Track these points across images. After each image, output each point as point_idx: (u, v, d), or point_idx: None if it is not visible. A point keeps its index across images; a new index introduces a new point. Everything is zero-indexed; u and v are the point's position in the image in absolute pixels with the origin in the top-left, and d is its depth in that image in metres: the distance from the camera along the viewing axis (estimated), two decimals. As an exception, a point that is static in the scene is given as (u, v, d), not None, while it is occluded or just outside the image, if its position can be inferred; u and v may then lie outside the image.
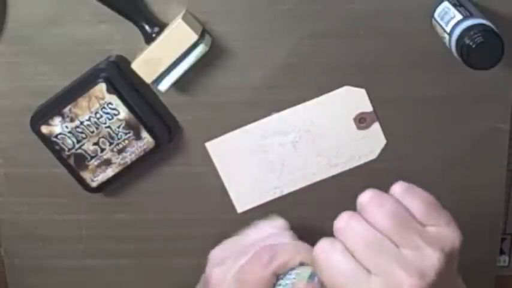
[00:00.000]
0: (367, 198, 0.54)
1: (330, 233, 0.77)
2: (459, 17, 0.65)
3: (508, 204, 0.81)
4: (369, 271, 0.52)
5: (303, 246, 0.65)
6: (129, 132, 0.71)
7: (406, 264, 0.52)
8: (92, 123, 0.70)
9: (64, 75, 0.72)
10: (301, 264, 0.63)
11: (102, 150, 0.71)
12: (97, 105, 0.70)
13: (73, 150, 0.71)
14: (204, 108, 0.73)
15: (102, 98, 0.69)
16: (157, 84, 0.70)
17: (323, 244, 0.54)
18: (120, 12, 0.69)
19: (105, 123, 0.70)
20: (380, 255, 0.52)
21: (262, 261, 0.64)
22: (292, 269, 0.64)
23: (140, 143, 0.71)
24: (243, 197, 0.76)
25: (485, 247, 0.77)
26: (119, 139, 0.71)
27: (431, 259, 0.52)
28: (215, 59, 0.71)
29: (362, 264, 0.52)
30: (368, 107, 0.73)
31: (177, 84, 0.71)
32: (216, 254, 0.69)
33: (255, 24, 0.70)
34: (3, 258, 0.81)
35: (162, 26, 0.69)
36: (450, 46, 0.65)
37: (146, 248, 0.78)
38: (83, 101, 0.70)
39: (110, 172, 0.72)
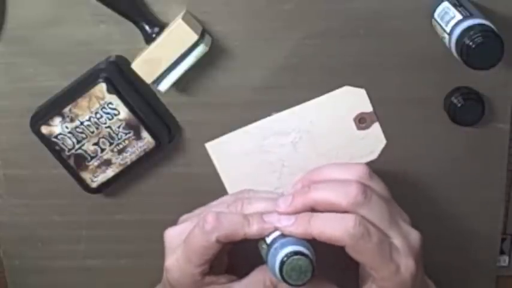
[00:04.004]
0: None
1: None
2: (459, 17, 0.65)
3: (508, 204, 0.80)
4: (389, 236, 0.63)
5: (253, 218, 0.65)
6: (129, 132, 0.71)
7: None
8: (92, 124, 0.70)
9: (64, 75, 0.72)
10: None
11: (102, 150, 0.71)
12: (97, 105, 0.70)
13: (73, 151, 0.71)
14: (204, 108, 0.73)
15: (102, 98, 0.69)
16: (157, 84, 0.70)
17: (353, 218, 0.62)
18: (120, 12, 0.69)
19: (105, 123, 0.70)
20: (395, 222, 0.64)
21: (205, 229, 0.64)
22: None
23: (140, 143, 0.71)
24: (243, 197, 0.76)
25: (485, 247, 0.77)
26: (119, 139, 0.71)
27: (417, 235, 0.65)
28: (215, 59, 0.71)
29: (384, 232, 0.63)
30: (368, 107, 0.73)
31: (177, 84, 0.71)
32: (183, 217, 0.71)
33: (255, 24, 0.70)
34: (2, 260, 0.81)
35: (162, 26, 0.69)
36: (450, 46, 0.65)
37: (146, 248, 0.78)
38: (83, 101, 0.70)
39: (110, 172, 0.72)
